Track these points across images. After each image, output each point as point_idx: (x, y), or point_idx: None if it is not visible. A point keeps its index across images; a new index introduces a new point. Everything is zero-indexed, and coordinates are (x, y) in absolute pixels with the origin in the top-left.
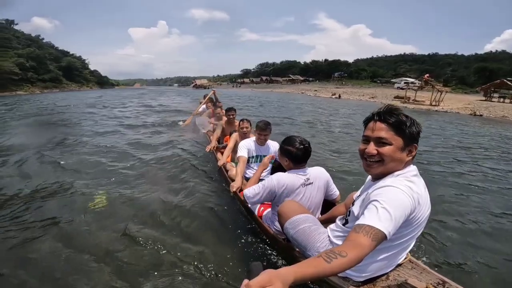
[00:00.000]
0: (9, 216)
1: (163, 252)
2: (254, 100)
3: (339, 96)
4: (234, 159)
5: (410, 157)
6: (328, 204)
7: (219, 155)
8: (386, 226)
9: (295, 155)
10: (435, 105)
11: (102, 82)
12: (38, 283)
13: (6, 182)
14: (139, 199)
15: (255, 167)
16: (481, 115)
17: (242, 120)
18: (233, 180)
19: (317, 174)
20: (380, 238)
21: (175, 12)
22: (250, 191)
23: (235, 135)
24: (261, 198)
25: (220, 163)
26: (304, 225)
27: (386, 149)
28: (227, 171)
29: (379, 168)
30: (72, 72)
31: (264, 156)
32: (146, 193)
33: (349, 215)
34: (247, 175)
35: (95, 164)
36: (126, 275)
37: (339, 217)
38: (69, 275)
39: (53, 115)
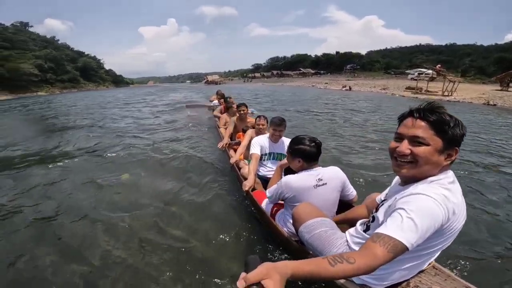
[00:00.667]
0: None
1: (168, 246)
2: (264, 94)
3: (350, 88)
4: (247, 156)
5: (449, 162)
6: (343, 205)
7: (231, 152)
8: (409, 237)
9: (308, 153)
10: (447, 95)
11: (118, 81)
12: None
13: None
14: (149, 193)
15: (268, 165)
16: (494, 105)
17: (259, 116)
18: (245, 179)
19: (331, 175)
20: (400, 250)
21: (185, 9)
22: (270, 191)
23: (250, 132)
24: (276, 198)
25: (232, 160)
26: (321, 229)
27: (421, 150)
28: (239, 168)
29: (411, 170)
30: (89, 72)
31: (278, 153)
32: (156, 187)
33: (372, 221)
34: (260, 173)
35: (114, 153)
36: (129, 265)
37: (360, 222)
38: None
39: (80, 114)
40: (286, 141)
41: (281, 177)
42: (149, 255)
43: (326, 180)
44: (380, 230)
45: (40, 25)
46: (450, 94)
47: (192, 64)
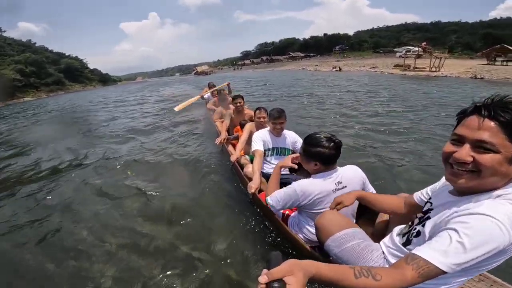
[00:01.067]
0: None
1: (167, 254)
2: (255, 80)
3: (340, 69)
4: (248, 151)
5: None
6: (361, 205)
7: (230, 147)
8: (450, 263)
9: (327, 156)
10: (434, 71)
11: (105, 80)
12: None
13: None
14: (144, 199)
15: (272, 161)
16: (482, 78)
17: (258, 109)
18: (249, 179)
19: (351, 175)
20: (434, 275)
21: (165, 1)
22: (273, 200)
23: (249, 126)
24: (285, 206)
25: (233, 158)
26: (353, 242)
27: (488, 158)
28: (242, 167)
29: (470, 181)
30: (73, 73)
31: (281, 148)
32: (151, 191)
33: (416, 236)
34: (264, 171)
35: (106, 157)
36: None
37: (397, 231)
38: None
39: (72, 117)
40: (288, 133)
41: (279, 180)
42: (146, 261)
43: (345, 183)
44: (418, 251)
45: (15, 30)
46: (437, 69)
47: (180, 56)
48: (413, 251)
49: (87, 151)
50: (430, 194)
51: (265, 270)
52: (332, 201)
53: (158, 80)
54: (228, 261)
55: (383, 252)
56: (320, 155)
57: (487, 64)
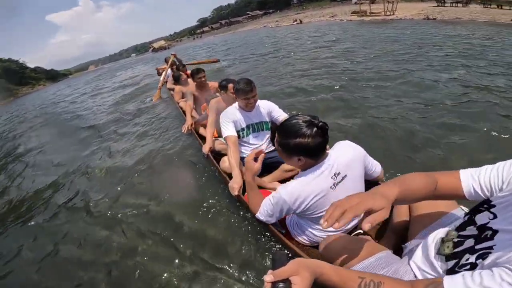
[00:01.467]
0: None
1: (158, 259)
2: (219, 45)
3: (301, 22)
4: (220, 131)
5: None
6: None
7: (201, 130)
8: None
9: (312, 147)
10: (389, 15)
11: (52, 76)
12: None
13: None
14: (110, 210)
15: (250, 141)
16: (434, 19)
17: (230, 81)
18: (229, 175)
19: (347, 158)
20: None
21: None
22: (263, 214)
23: (214, 103)
24: (282, 215)
25: (205, 149)
26: (378, 274)
27: None
28: (219, 154)
29: None
30: (13, 76)
31: (257, 123)
32: (121, 197)
33: (470, 269)
34: (243, 155)
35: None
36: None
37: (433, 247)
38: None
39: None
40: (261, 103)
41: (257, 190)
42: (133, 267)
43: (344, 171)
44: (447, 282)
45: None
46: (392, 13)
47: (132, 36)
48: (444, 279)
49: (50, 164)
50: (493, 191)
51: (270, 271)
52: (354, 205)
53: (114, 64)
54: (222, 264)
55: (415, 276)
56: (302, 147)
57: (437, 6)
